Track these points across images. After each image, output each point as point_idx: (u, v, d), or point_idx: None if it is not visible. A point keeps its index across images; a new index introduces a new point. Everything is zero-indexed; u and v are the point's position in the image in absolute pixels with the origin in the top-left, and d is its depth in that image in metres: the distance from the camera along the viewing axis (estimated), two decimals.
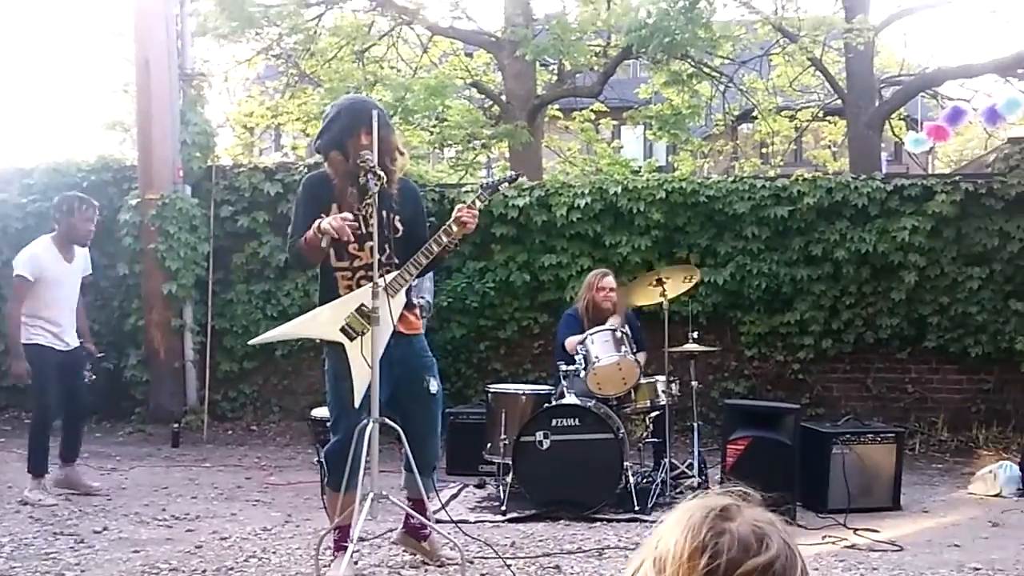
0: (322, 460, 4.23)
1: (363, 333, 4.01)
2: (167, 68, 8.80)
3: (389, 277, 4.02)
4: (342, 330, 4.06)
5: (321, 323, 4.13)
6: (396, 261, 4.09)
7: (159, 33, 8.80)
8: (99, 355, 6.42)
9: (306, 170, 8.91)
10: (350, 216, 3.96)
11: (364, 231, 4.07)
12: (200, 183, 9.02)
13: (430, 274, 6.26)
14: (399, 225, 4.19)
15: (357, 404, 3.99)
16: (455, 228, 4.11)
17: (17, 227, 9.11)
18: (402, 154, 4.31)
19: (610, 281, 6.39)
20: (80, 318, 6.04)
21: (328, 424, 4.30)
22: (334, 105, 4.31)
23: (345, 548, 4.05)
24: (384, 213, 4.06)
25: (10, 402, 9.17)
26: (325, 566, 4.16)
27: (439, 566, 4.35)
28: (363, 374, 3.99)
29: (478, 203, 4.22)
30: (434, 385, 4.30)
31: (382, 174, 3.94)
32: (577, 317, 6.32)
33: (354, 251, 4.11)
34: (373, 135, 4.08)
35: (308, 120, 14.32)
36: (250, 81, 14.80)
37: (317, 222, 3.92)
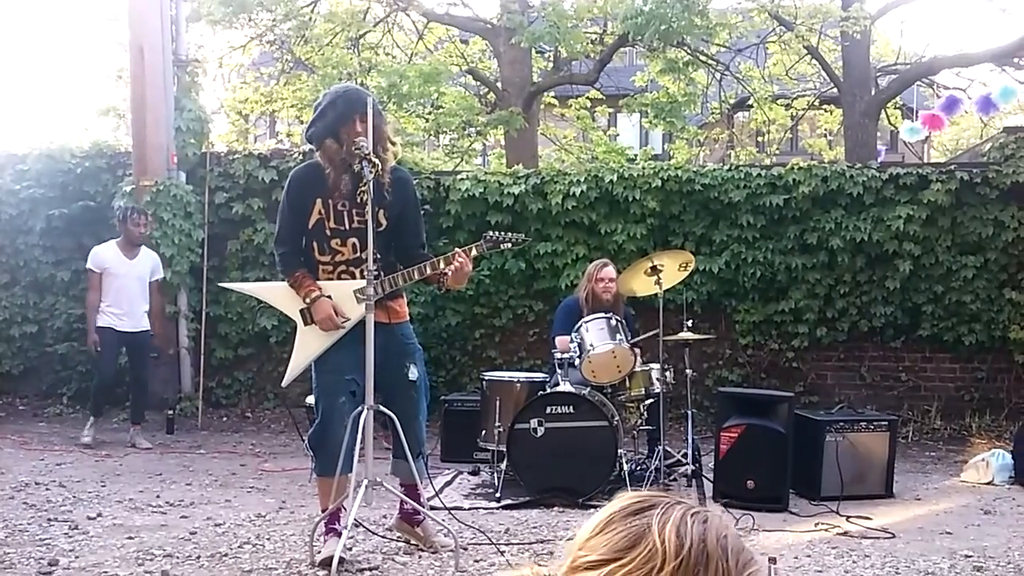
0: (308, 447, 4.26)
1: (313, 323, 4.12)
2: (161, 54, 8.75)
3: (362, 284, 3.99)
4: (301, 311, 4.14)
5: (285, 296, 4.23)
6: (378, 256, 4.03)
7: (153, 19, 8.75)
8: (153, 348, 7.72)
9: (300, 157, 8.92)
10: (338, 321, 4.06)
11: (347, 228, 4.10)
12: (194, 169, 8.98)
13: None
14: (383, 220, 4.17)
15: (285, 384, 4.18)
16: (443, 265, 4.12)
17: (11, 213, 9.08)
18: (393, 143, 4.32)
19: (610, 272, 6.37)
20: (154, 314, 7.46)
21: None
22: (327, 93, 4.28)
23: (336, 531, 4.06)
24: (374, 206, 4.03)
25: (4, 389, 9.17)
26: (318, 551, 4.18)
27: (433, 552, 4.36)
28: (301, 357, 4.16)
29: (474, 251, 4.21)
30: (414, 372, 4.30)
31: (377, 161, 3.96)
32: (576, 307, 6.31)
33: (336, 246, 4.14)
34: (368, 122, 4.07)
35: (303, 107, 14.23)
36: (245, 67, 14.71)
37: (315, 298, 4.06)
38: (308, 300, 4.07)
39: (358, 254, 4.07)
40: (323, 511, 4.21)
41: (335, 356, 4.13)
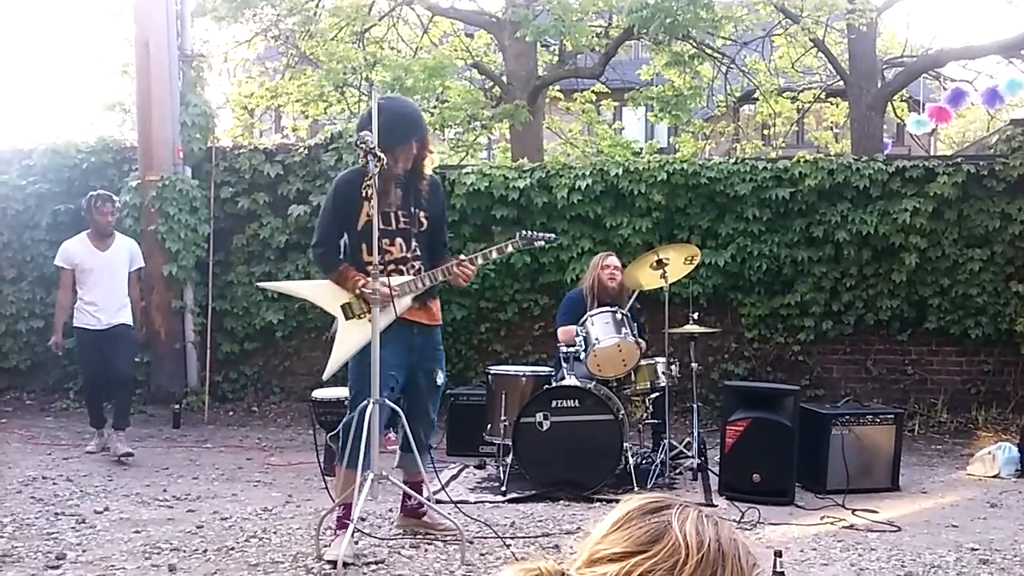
0: (329, 440, 4.28)
1: (360, 316, 4.17)
2: (167, 49, 8.77)
3: (401, 279, 4.24)
4: (341, 307, 4.23)
5: (325, 293, 4.29)
6: (420, 255, 4.30)
7: (159, 14, 8.76)
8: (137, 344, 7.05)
9: (306, 151, 8.93)
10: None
11: (395, 228, 4.28)
12: (200, 164, 9.00)
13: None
14: (424, 220, 4.40)
15: (326, 376, 4.21)
16: (455, 271, 4.35)
17: (17, 208, 9.11)
18: (431, 152, 4.51)
19: (615, 260, 6.39)
20: (134, 306, 6.80)
21: (346, 402, 4.43)
22: (387, 107, 4.32)
23: (347, 526, 4.10)
24: (412, 208, 4.31)
25: (11, 384, 9.21)
26: (325, 546, 4.19)
27: (444, 535, 4.43)
28: (343, 351, 4.19)
29: (509, 247, 4.50)
30: (441, 377, 4.56)
31: (382, 156, 4.02)
32: (580, 299, 6.31)
33: (386, 246, 4.26)
34: (374, 124, 4.16)
35: (308, 101, 14.26)
36: (250, 62, 14.72)
37: (359, 284, 4.18)
38: (359, 289, 4.18)
39: (404, 253, 4.30)
40: (336, 503, 4.26)
41: (384, 351, 4.18)
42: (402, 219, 4.30)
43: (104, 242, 6.67)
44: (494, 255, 4.60)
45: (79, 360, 6.85)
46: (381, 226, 4.20)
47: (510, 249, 4.51)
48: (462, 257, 4.44)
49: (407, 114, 4.41)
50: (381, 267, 4.19)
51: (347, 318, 4.23)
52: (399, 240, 4.30)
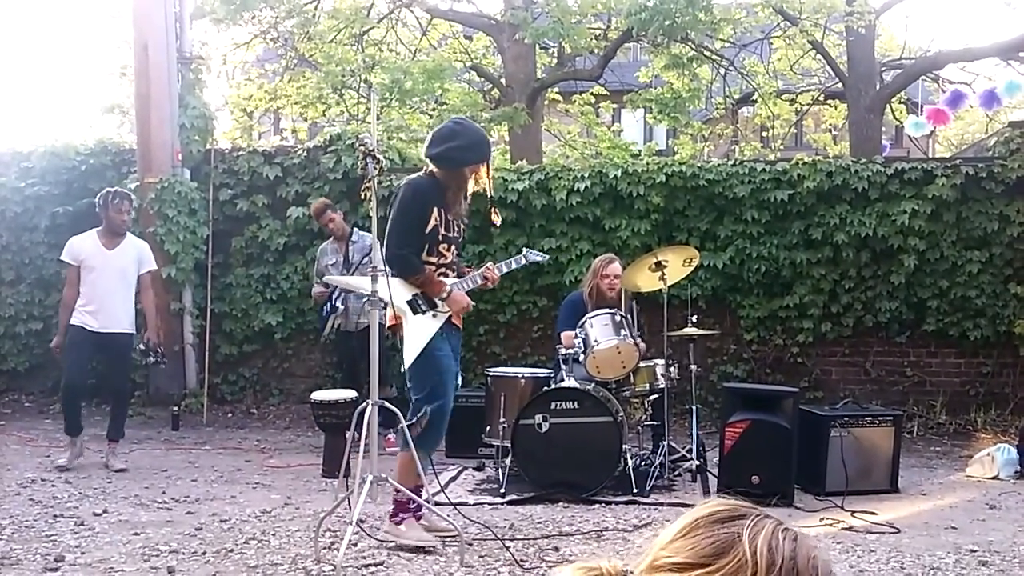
0: (405, 424, 4.38)
1: (423, 313, 4.46)
2: (165, 51, 8.77)
3: (453, 281, 4.62)
4: (408, 302, 4.47)
5: (396, 288, 4.44)
6: (463, 257, 4.74)
7: (157, 16, 8.77)
8: (151, 349, 6.51)
9: (304, 153, 8.94)
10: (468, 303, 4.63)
11: (452, 235, 4.61)
12: (199, 166, 9.00)
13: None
14: (462, 230, 4.83)
15: (406, 366, 4.44)
16: (486, 276, 4.77)
17: (16, 211, 9.11)
18: (494, 172, 4.97)
19: (615, 268, 6.33)
20: (147, 310, 6.49)
21: (417, 394, 4.50)
22: (465, 129, 4.61)
23: (419, 514, 4.44)
24: (462, 220, 4.74)
25: (10, 386, 9.20)
26: (324, 548, 4.19)
27: (442, 540, 4.44)
28: (418, 342, 4.42)
29: (504, 268, 4.88)
30: (460, 378, 4.92)
31: (381, 158, 4.13)
32: (581, 302, 6.30)
33: (443, 250, 4.58)
34: (372, 122, 4.18)
35: (307, 103, 14.27)
36: (249, 64, 14.72)
37: (449, 290, 4.50)
38: (445, 293, 4.50)
39: (453, 258, 4.67)
40: (409, 489, 4.42)
41: (444, 343, 4.55)
42: (455, 228, 4.65)
43: (113, 241, 6.35)
44: (513, 266, 5.01)
45: (64, 357, 6.32)
46: (443, 232, 4.56)
47: (504, 269, 4.89)
48: (490, 265, 4.83)
49: (484, 138, 4.73)
50: (432, 268, 4.53)
51: (415, 313, 4.47)
52: (453, 247, 4.65)
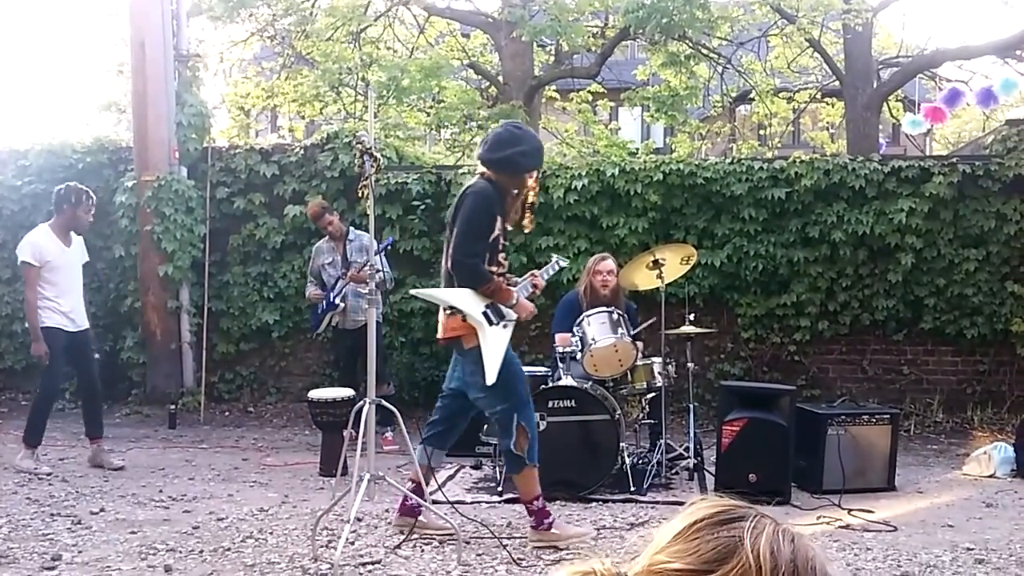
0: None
1: (495, 323, 4.40)
2: (162, 49, 8.76)
3: (517, 287, 4.66)
4: (483, 313, 4.40)
5: (469, 300, 4.43)
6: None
7: (154, 14, 8.75)
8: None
9: (302, 151, 8.93)
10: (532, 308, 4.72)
11: (505, 244, 4.62)
12: (196, 164, 8.99)
13: (382, 253, 6.60)
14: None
15: (490, 382, 4.31)
16: (532, 287, 4.83)
17: (13, 209, 9.10)
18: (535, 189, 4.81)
19: (608, 265, 6.31)
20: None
21: (502, 404, 4.44)
22: (526, 134, 4.61)
23: (549, 515, 4.44)
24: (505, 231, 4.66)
25: (7, 384, 9.20)
26: (322, 546, 4.19)
27: (441, 535, 4.44)
28: (497, 352, 4.36)
29: (545, 276, 4.99)
30: None
31: (378, 156, 4.08)
32: (576, 302, 6.30)
33: (502, 259, 4.58)
34: (369, 120, 4.14)
35: (304, 101, 14.26)
36: (246, 62, 14.71)
37: (517, 298, 4.54)
38: (514, 300, 4.52)
39: (506, 267, 4.65)
40: (533, 500, 4.43)
41: (512, 351, 4.52)
42: (503, 237, 4.60)
43: (68, 238, 6.22)
44: (551, 272, 5.14)
45: (50, 366, 6.10)
46: (503, 242, 4.57)
47: (546, 278, 5.01)
48: (535, 272, 4.91)
49: (541, 144, 4.73)
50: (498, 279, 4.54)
51: (490, 324, 4.40)
52: (505, 255, 4.63)
